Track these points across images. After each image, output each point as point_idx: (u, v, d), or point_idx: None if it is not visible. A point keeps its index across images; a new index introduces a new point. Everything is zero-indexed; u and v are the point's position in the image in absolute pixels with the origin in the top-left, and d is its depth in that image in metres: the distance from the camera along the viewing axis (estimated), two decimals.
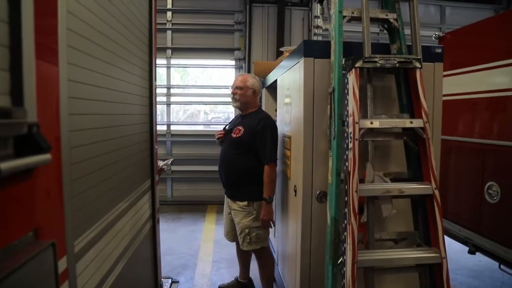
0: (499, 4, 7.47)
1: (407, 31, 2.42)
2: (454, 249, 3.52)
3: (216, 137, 3.40)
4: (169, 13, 6.85)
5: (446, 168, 3.70)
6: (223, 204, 3.46)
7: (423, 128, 2.17)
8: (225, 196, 3.38)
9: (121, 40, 1.56)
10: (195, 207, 6.80)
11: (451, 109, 3.71)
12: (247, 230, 3.12)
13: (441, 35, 4.11)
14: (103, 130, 1.36)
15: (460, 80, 3.81)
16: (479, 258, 3.66)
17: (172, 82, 7.16)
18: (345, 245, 2.10)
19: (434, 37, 4.17)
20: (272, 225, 3.19)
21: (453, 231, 3.71)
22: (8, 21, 0.71)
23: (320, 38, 7.09)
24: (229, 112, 7.75)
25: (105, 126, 1.39)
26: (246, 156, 3.09)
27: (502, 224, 3.18)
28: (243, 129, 3.12)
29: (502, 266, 3.21)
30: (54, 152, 0.86)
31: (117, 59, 1.53)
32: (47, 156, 0.79)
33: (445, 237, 3.53)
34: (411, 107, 2.34)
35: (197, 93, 7.38)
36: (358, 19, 2.39)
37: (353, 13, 2.38)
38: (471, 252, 3.51)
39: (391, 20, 2.44)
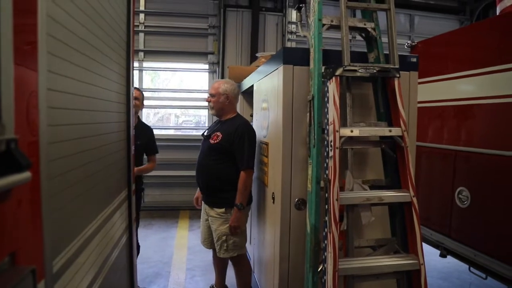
0: (463, 15, 7.81)
1: (384, 39, 2.47)
2: (424, 251, 3.61)
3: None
4: (141, 15, 6.71)
5: (418, 174, 3.79)
6: (196, 209, 3.40)
7: (401, 137, 2.21)
8: (203, 202, 3.32)
9: (100, 45, 1.49)
10: (167, 213, 6.66)
11: (422, 116, 3.82)
12: (224, 237, 3.08)
13: (413, 44, 4.23)
14: (81, 140, 1.29)
15: (430, 88, 3.93)
16: (448, 260, 3.77)
17: (143, 85, 7.00)
18: (325, 253, 2.10)
19: (406, 46, 4.29)
20: (242, 231, 3.15)
21: (425, 235, 3.80)
22: None
23: (294, 44, 7.16)
24: (201, 116, 7.66)
25: (84, 136, 1.32)
26: (224, 162, 3.06)
27: (471, 228, 3.29)
28: (221, 135, 3.08)
29: (471, 269, 3.32)
30: (32, 167, 0.79)
31: (96, 64, 1.45)
32: (26, 174, 0.72)
33: None
34: (388, 115, 2.38)
35: (168, 96, 7.25)
36: (337, 27, 2.41)
37: (332, 21, 2.40)
38: (443, 255, 3.61)
39: (369, 29, 2.48)
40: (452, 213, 3.51)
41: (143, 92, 4.02)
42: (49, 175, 0.96)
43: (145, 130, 3.60)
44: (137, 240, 3.24)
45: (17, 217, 0.79)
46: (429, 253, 3.68)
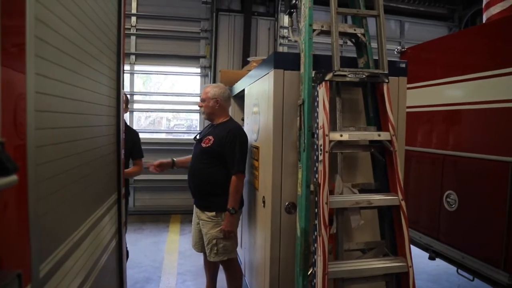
0: (452, 22, 7.94)
1: (373, 45, 2.50)
2: (413, 254, 3.64)
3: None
4: (133, 18, 6.69)
5: (408, 178, 3.84)
6: (187, 213, 3.39)
7: (390, 141, 2.23)
8: (194, 205, 3.32)
9: (89, 48, 1.48)
10: (158, 217, 6.61)
11: (411, 121, 3.86)
12: (214, 241, 3.08)
13: (403, 49, 4.29)
14: (70, 144, 1.28)
15: (419, 93, 3.98)
16: (437, 262, 3.82)
17: (135, 88, 6.97)
18: (315, 256, 2.11)
19: (396, 51, 4.34)
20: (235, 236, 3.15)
21: (414, 238, 3.84)
22: None
23: (286, 48, 7.19)
24: (192, 119, 7.65)
25: (72, 139, 1.31)
26: (215, 166, 3.06)
27: (459, 231, 3.33)
28: (213, 139, 3.08)
29: (459, 271, 3.36)
30: (19, 170, 0.79)
31: (86, 68, 1.45)
32: (13, 178, 0.72)
33: None
34: (377, 120, 2.41)
35: (160, 100, 7.23)
36: (327, 33, 2.43)
37: (322, 27, 2.43)
38: (431, 258, 3.65)
39: (359, 35, 2.51)
40: (440, 216, 3.56)
41: (129, 96, 3.99)
42: (36, 179, 0.95)
43: (130, 134, 3.56)
44: (126, 245, 3.21)
45: (3, 220, 0.78)
46: (419, 256, 3.73)
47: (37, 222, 0.94)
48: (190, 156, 3.39)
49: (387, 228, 2.37)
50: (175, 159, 3.58)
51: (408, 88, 3.89)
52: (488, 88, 3.14)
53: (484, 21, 3.94)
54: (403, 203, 2.19)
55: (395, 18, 7.74)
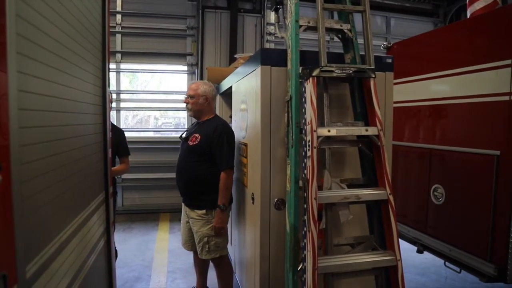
0: (437, 17, 8.04)
1: (360, 40, 2.52)
2: (402, 248, 3.70)
3: None
4: (118, 16, 6.61)
5: (395, 172, 3.88)
6: (176, 212, 3.37)
7: (377, 136, 2.25)
8: (183, 204, 3.30)
9: (73, 46, 1.46)
10: (147, 216, 6.58)
11: (398, 115, 3.90)
12: (205, 239, 3.07)
13: (389, 45, 4.32)
14: (55, 142, 1.26)
15: (406, 88, 4.03)
16: (425, 255, 3.87)
17: (121, 87, 6.90)
18: (305, 252, 2.12)
19: (382, 47, 4.38)
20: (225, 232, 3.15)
21: (402, 232, 3.89)
22: None
23: (272, 45, 7.19)
24: (180, 117, 7.61)
25: (57, 138, 1.29)
26: (203, 164, 3.04)
27: (446, 224, 3.38)
28: (200, 137, 3.07)
29: (447, 263, 3.41)
30: (3, 170, 0.78)
31: (70, 66, 1.43)
32: None
33: None
34: (365, 115, 2.42)
35: (147, 98, 7.17)
36: (314, 28, 2.44)
37: (309, 22, 2.43)
38: (419, 251, 3.70)
39: (345, 31, 2.52)
40: (428, 210, 3.61)
41: (115, 94, 3.95)
42: (21, 178, 0.94)
43: (116, 132, 3.52)
44: (114, 245, 3.19)
45: None
46: (407, 249, 3.77)
47: (22, 222, 0.92)
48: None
49: (375, 222, 2.39)
50: None
51: (395, 84, 3.94)
52: (473, 82, 3.19)
53: (468, 17, 4.00)
54: (391, 197, 2.21)
55: (381, 14, 7.80)
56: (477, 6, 3.89)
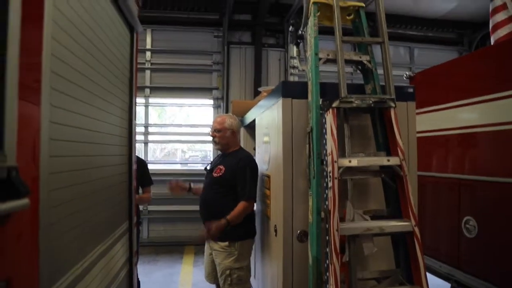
0: (462, 46, 7.98)
1: (380, 71, 2.54)
2: (436, 285, 3.52)
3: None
4: (148, 53, 6.94)
5: (424, 204, 3.76)
6: (201, 244, 3.37)
7: (400, 166, 2.22)
8: None
9: (102, 81, 1.56)
10: (172, 249, 6.58)
11: (425, 145, 3.83)
12: (228, 272, 3.04)
13: (412, 75, 4.32)
14: (82, 171, 1.33)
15: (432, 117, 3.96)
16: None
17: (150, 120, 7.14)
18: (327, 285, 2.07)
19: (404, 77, 4.37)
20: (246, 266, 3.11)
21: (433, 267, 3.72)
22: None
23: (296, 78, 7.31)
24: (207, 151, 7.73)
25: (85, 168, 1.36)
26: (227, 195, 3.06)
27: (481, 259, 3.20)
28: (224, 168, 3.11)
29: None
30: (32, 195, 0.83)
31: (98, 100, 1.52)
32: (25, 201, 0.76)
33: (427, 273, 3.52)
34: (387, 145, 2.41)
35: (175, 131, 7.36)
36: (333, 61, 2.48)
37: (328, 55, 2.48)
38: None
39: (365, 62, 2.55)
40: (460, 243, 3.44)
41: (143, 128, 4.11)
42: (48, 204, 0.99)
43: (140, 164, 3.64)
44: (137, 275, 3.21)
45: (14, 243, 0.82)
46: (441, 286, 3.60)
47: (47, 247, 0.97)
48: None
49: (402, 255, 2.31)
50: (192, 185, 3.59)
51: (420, 113, 3.90)
52: (502, 109, 3.11)
53: (492, 43, 3.97)
54: (416, 229, 2.15)
55: (404, 45, 7.83)
56: (501, 33, 3.87)
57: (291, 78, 7.25)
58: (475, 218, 3.30)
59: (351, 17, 2.67)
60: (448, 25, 7.75)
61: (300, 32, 2.95)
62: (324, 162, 2.25)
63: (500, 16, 4.04)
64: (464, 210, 3.43)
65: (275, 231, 2.74)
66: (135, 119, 2.15)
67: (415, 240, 2.14)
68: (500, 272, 3.02)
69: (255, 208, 3.29)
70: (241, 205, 2.98)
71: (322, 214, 2.20)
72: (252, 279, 3.54)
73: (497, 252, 3.06)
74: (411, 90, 2.75)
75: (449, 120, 3.75)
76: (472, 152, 3.49)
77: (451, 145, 3.74)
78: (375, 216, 2.38)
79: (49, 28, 0.99)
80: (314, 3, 2.50)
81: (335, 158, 2.14)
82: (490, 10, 4.16)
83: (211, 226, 2.94)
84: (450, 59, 4.83)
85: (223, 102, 7.06)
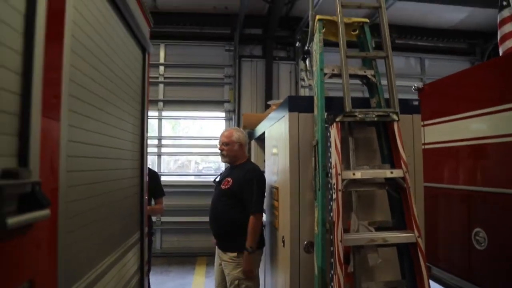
0: (474, 56, 7.95)
1: (385, 83, 2.59)
2: None
3: None
4: (161, 67, 7.14)
5: (433, 215, 3.76)
6: (213, 255, 3.44)
7: (403, 178, 2.27)
8: (216, 247, 3.38)
9: (115, 100, 1.68)
10: (184, 259, 6.65)
11: (435, 156, 3.84)
12: (236, 282, 3.10)
13: (420, 87, 4.34)
14: (97, 185, 1.43)
15: (442, 128, 3.96)
16: None
17: (164, 133, 7.30)
18: None
19: (413, 89, 4.39)
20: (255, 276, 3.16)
21: (445, 279, 3.70)
22: (20, 93, 0.83)
23: (307, 91, 7.38)
24: (220, 162, 7.82)
25: (99, 181, 1.47)
26: (235, 207, 3.14)
27: (492, 271, 3.19)
28: (231, 180, 3.19)
29: None
30: (52, 206, 0.93)
31: (112, 118, 1.64)
32: (46, 212, 0.86)
33: (439, 286, 3.51)
34: (391, 158, 2.46)
35: (188, 143, 7.50)
36: (338, 76, 2.56)
37: (333, 70, 2.55)
38: None
39: (369, 76, 2.62)
40: (470, 256, 3.43)
41: (157, 140, 4.24)
42: (66, 215, 1.10)
43: (152, 176, 3.76)
44: (149, 284, 3.30)
45: (37, 248, 0.92)
46: None
47: (65, 252, 1.07)
48: None
49: (407, 266, 2.34)
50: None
51: (429, 124, 3.91)
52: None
53: (500, 54, 3.99)
54: (419, 240, 2.18)
55: (415, 56, 7.85)
56: (509, 44, 3.89)
57: (301, 91, 7.32)
58: (485, 230, 3.29)
59: (356, 32, 2.74)
60: (458, 35, 7.75)
61: (306, 47, 3.05)
62: (329, 175, 2.31)
63: (508, 28, 4.07)
64: (474, 222, 3.43)
65: (283, 242, 2.80)
66: (146, 134, 2.26)
67: (419, 252, 2.17)
68: (510, 284, 3.00)
69: (264, 219, 3.35)
70: (250, 223, 3.07)
71: (327, 226, 2.26)
72: None
73: (507, 264, 3.04)
74: (416, 103, 2.79)
75: (458, 131, 3.76)
76: (482, 164, 3.49)
77: (461, 156, 3.74)
78: (380, 227, 2.42)
79: (68, 56, 1.11)
80: (319, 20, 2.59)
81: (339, 171, 2.20)
82: (498, 22, 4.19)
83: (244, 268, 3.05)
84: (462, 69, 4.84)
85: (234, 115, 7.18)
